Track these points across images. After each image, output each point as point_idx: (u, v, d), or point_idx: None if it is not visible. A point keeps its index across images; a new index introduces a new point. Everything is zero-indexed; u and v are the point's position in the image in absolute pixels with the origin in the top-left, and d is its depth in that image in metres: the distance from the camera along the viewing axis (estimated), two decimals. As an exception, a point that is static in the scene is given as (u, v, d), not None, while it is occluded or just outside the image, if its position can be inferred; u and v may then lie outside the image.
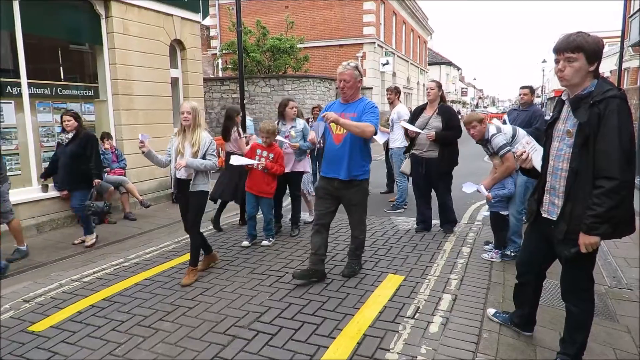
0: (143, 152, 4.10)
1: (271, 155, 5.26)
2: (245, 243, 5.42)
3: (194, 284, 4.20)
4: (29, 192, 6.28)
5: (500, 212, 4.72)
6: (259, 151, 5.32)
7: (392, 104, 7.38)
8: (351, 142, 3.97)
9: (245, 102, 8.99)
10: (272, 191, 5.37)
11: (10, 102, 6.15)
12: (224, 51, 17.89)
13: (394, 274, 4.36)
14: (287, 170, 5.58)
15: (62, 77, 7.31)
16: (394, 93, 7.35)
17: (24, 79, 6.23)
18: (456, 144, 5.66)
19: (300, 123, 5.81)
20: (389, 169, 8.52)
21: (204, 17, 9.51)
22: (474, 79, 78.49)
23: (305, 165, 5.92)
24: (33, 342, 3.20)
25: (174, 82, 8.83)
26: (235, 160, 5.13)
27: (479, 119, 4.49)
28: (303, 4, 22.51)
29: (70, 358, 2.97)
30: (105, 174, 6.76)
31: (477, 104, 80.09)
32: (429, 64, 41.37)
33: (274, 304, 3.67)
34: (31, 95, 6.34)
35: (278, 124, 5.78)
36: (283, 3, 22.52)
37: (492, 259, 4.76)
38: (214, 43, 24.01)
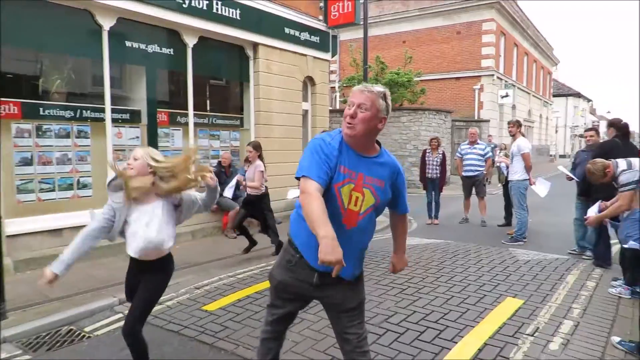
0: None
1: None
2: None
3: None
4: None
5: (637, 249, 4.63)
6: None
7: (513, 136, 7.50)
8: (366, 226, 2.36)
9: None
10: None
11: (179, 130, 7.55)
12: (344, 85, 19.03)
13: (513, 297, 4.55)
14: None
15: (217, 109, 8.69)
16: (516, 126, 7.47)
17: (190, 111, 7.60)
18: None
19: None
20: (507, 202, 8.52)
21: (332, 56, 10.57)
22: (608, 112, 71.23)
23: None
24: (207, 317, 4.05)
25: (304, 113, 9.89)
26: (292, 193, 4.72)
27: (602, 174, 4.48)
28: (420, 39, 23.07)
29: (238, 332, 3.74)
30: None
31: (609, 139, 72.41)
32: (554, 96, 39.02)
33: (399, 310, 4.12)
34: (194, 124, 7.69)
35: None
36: (401, 38, 23.33)
37: (620, 295, 4.68)
38: (332, 77, 25.58)
